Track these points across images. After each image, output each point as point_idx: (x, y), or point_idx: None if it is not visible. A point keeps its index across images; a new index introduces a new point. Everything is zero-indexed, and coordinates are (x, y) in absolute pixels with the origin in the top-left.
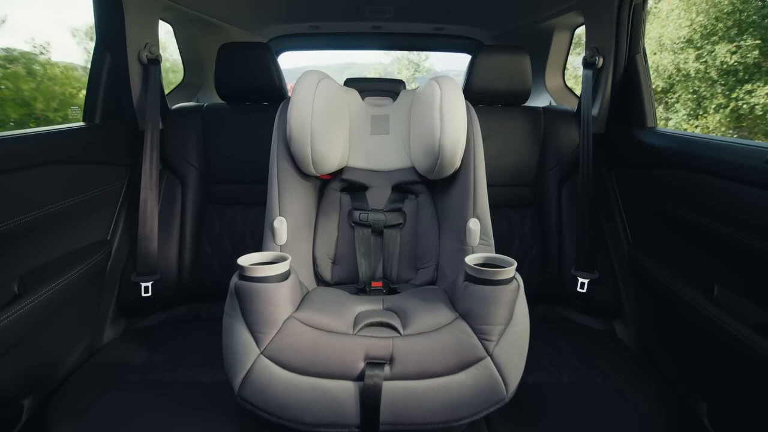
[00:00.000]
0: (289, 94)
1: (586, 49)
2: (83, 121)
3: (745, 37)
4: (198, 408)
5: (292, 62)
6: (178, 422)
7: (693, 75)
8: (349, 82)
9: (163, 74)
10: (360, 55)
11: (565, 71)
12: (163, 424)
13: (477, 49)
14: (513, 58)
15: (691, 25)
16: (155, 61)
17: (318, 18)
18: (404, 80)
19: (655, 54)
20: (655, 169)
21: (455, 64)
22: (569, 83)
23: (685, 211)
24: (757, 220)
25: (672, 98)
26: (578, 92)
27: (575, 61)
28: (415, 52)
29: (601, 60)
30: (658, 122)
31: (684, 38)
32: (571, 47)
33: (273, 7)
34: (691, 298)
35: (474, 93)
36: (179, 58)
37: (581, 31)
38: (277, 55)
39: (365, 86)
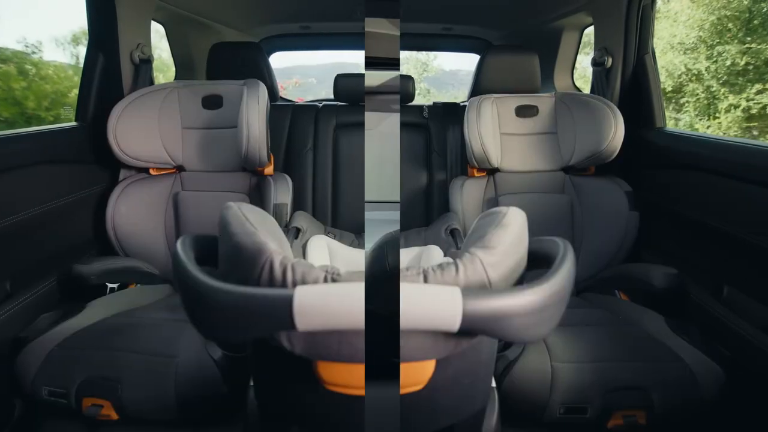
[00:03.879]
0: (281, 93)
1: (595, 49)
2: (75, 120)
3: (755, 36)
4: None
5: (281, 62)
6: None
7: (705, 74)
8: (340, 78)
9: None
10: (359, 55)
11: (574, 71)
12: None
13: (485, 50)
14: (521, 58)
15: (701, 26)
16: (147, 61)
17: (312, 18)
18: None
19: (665, 54)
20: (664, 169)
21: (464, 64)
22: (578, 83)
23: (694, 211)
24: (766, 220)
25: (682, 98)
26: (587, 92)
27: (584, 61)
28: (423, 52)
29: (610, 60)
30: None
31: (695, 38)
32: (580, 47)
33: (265, 7)
34: (700, 298)
35: (483, 93)
36: (162, 56)
37: (590, 30)
38: (269, 55)
39: (359, 82)
